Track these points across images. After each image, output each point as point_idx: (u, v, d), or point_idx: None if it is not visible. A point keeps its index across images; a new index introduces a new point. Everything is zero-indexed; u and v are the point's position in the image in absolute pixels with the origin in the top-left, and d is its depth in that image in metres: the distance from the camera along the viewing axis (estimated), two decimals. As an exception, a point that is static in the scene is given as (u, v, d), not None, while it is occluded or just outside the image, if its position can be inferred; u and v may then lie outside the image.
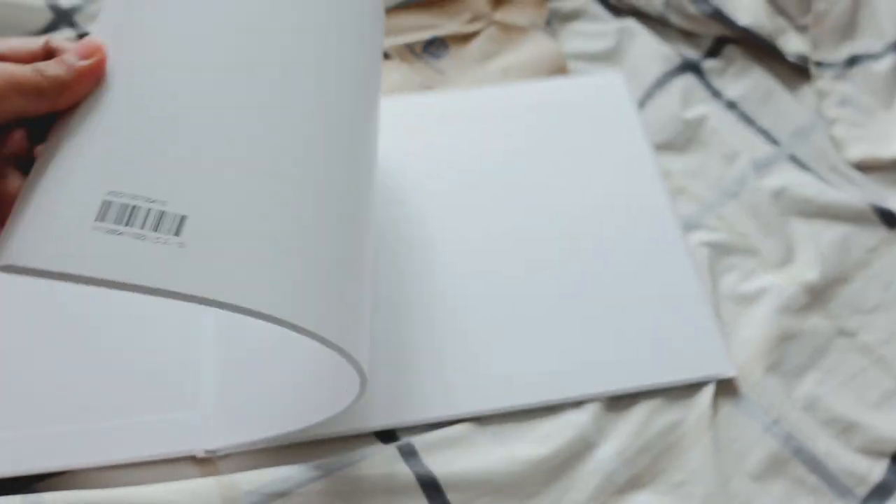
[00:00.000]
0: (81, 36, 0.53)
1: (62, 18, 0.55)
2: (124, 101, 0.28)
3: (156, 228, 0.25)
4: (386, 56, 0.53)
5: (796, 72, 0.53)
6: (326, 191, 0.31)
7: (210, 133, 0.29)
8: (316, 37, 0.34)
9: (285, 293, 0.27)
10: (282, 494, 0.37)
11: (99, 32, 0.31)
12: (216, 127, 0.29)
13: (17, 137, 0.30)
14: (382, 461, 0.38)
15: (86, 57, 0.29)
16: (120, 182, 0.26)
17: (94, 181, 0.26)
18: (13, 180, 0.29)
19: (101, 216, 0.25)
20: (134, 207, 0.26)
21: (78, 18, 0.55)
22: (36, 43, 0.30)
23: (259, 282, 0.26)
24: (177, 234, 0.26)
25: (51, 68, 0.28)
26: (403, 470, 0.38)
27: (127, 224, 0.25)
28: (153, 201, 0.26)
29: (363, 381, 0.31)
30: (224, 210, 0.27)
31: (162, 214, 0.26)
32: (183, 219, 0.26)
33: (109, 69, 0.29)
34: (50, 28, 0.55)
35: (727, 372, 0.41)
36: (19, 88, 0.27)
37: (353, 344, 0.29)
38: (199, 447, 0.39)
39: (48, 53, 0.30)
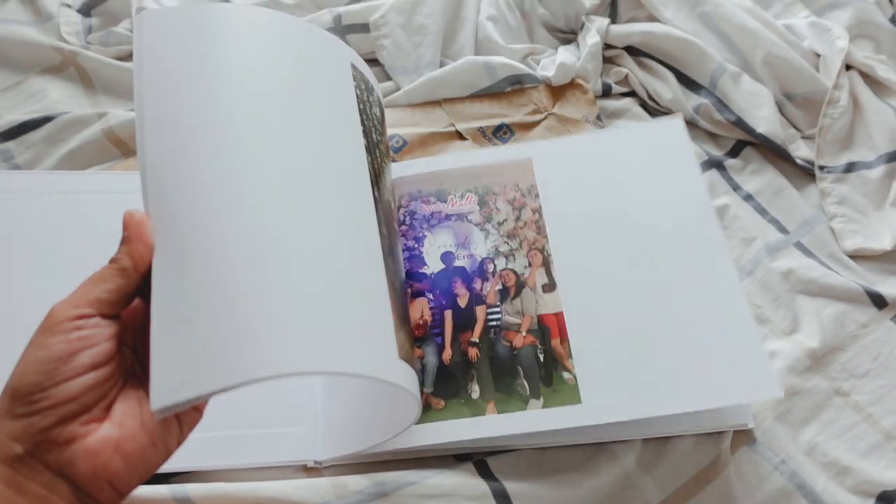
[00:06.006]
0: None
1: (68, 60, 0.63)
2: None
3: None
4: (462, 137, 0.63)
5: (803, 173, 0.63)
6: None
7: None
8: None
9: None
10: (382, 494, 0.45)
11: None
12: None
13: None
14: (462, 474, 0.46)
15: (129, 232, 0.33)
16: None
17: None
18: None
19: None
20: None
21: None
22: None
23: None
24: None
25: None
26: (479, 482, 0.46)
27: None
28: None
29: (419, 411, 0.41)
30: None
31: None
32: None
33: None
34: (59, 68, 0.63)
35: (747, 423, 0.49)
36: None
37: (414, 386, 0.39)
38: (309, 458, 0.47)
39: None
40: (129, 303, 0.32)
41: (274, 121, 0.38)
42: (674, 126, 0.56)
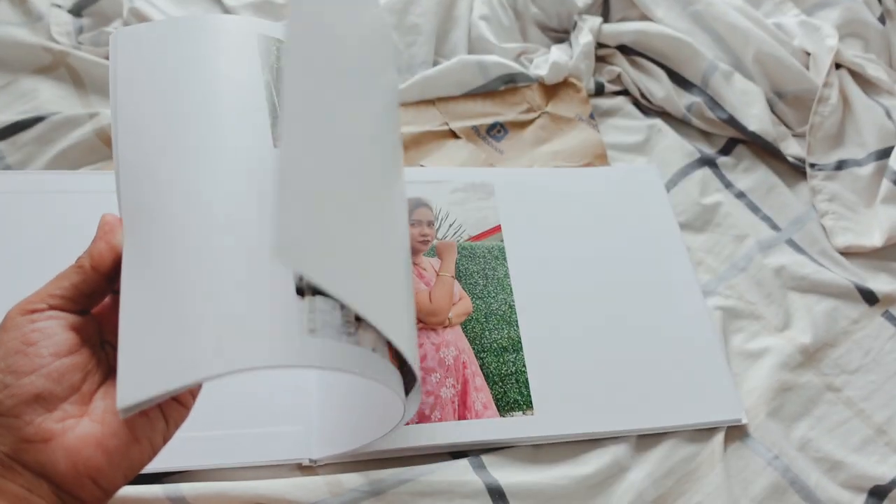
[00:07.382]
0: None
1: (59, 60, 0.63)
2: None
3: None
4: (456, 136, 0.63)
5: (794, 171, 0.64)
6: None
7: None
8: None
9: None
10: (378, 492, 0.45)
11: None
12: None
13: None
14: (458, 471, 0.46)
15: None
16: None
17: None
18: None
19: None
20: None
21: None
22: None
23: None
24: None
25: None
26: (474, 479, 0.46)
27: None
28: None
29: (406, 411, 0.40)
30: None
31: None
32: None
33: None
34: (50, 68, 0.63)
35: (740, 419, 0.50)
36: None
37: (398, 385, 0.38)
38: (304, 456, 0.46)
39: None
40: (91, 300, 0.32)
41: (243, 127, 0.38)
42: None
